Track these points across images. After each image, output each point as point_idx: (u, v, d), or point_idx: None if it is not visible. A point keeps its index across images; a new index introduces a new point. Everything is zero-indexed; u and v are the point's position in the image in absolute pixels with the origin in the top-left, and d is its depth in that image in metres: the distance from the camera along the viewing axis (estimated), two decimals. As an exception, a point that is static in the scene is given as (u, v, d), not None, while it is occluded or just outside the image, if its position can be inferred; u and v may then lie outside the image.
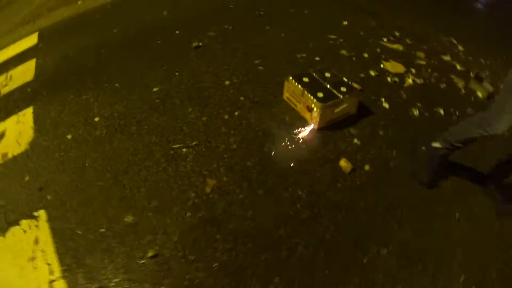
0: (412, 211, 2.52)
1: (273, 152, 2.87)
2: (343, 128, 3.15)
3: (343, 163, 2.82)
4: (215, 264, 2.17)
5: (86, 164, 2.81)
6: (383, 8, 5.65)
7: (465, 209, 2.58)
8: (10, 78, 4.26)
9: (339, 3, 5.65)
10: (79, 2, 6.60)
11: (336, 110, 3.11)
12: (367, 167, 2.82)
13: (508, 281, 2.21)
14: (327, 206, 2.51)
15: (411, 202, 2.59)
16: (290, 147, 2.93)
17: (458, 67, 4.32)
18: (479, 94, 3.91)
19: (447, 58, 4.50)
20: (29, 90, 3.88)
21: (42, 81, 4.02)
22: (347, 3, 5.68)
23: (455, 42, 4.89)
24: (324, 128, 3.13)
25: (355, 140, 3.06)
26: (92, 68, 4.10)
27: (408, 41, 4.71)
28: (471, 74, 4.18)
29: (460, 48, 4.77)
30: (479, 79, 4.13)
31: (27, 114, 3.46)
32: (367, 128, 3.20)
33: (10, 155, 2.99)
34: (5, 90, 4.03)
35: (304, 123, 3.18)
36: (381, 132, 3.17)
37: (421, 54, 4.47)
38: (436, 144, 2.59)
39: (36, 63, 4.44)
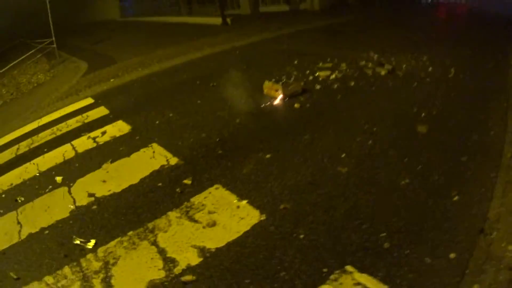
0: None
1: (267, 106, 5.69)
2: (294, 98, 5.98)
3: (296, 105, 5.61)
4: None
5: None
6: (320, 49, 8.85)
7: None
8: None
9: (294, 53, 8.85)
10: (112, 80, 9.93)
11: (289, 87, 5.99)
12: (308, 105, 5.60)
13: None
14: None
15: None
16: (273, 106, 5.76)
17: (370, 65, 7.23)
18: (382, 72, 6.75)
19: (362, 62, 7.43)
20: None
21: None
22: (298, 51, 8.90)
23: (371, 53, 7.88)
24: (286, 98, 5.97)
25: (301, 99, 5.88)
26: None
27: (336, 60, 7.73)
28: (377, 64, 7.10)
29: (374, 55, 7.75)
30: (380, 64, 7.05)
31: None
32: (308, 94, 6.04)
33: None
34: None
35: (275, 97, 6.03)
36: (314, 96, 6.01)
37: (343, 65, 7.41)
38: None
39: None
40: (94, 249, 3.18)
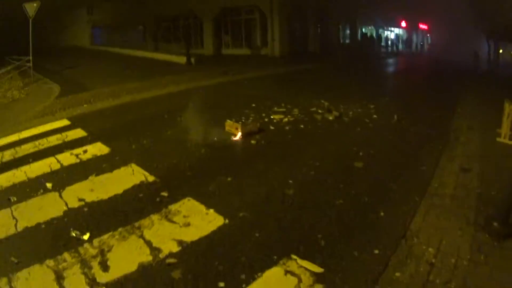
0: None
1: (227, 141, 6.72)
2: (249, 137, 7.04)
3: (253, 141, 6.71)
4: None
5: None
6: (276, 94, 10.12)
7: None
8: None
9: (253, 96, 10.04)
10: (85, 105, 10.72)
11: (247, 127, 7.11)
12: (263, 142, 6.70)
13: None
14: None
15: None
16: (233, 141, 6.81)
17: (320, 111, 8.51)
18: (330, 118, 8.03)
19: (313, 109, 8.72)
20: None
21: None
22: (256, 96, 10.11)
23: (322, 101, 9.18)
24: (244, 135, 7.04)
25: (257, 137, 6.99)
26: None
27: (289, 106, 8.98)
28: (326, 110, 8.39)
29: (325, 102, 9.04)
30: (329, 111, 8.34)
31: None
32: (263, 133, 7.16)
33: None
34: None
35: (235, 133, 7.10)
36: (268, 135, 7.15)
37: (296, 110, 8.67)
38: None
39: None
40: (89, 240, 3.88)
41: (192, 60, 18.75)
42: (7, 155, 7.01)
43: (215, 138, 7.04)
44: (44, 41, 20.48)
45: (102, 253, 3.67)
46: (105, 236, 3.95)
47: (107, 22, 31.45)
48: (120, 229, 4.06)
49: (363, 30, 35.65)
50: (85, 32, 31.30)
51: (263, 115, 8.39)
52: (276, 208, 4.41)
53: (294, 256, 3.46)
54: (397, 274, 3.18)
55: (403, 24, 43.25)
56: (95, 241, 3.87)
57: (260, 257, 3.49)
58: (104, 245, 3.80)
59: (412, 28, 46.80)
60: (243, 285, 3.13)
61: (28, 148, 7.28)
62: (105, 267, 3.46)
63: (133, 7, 29.18)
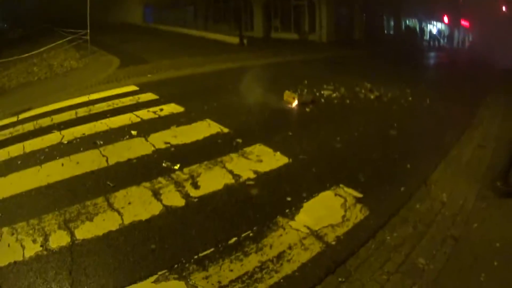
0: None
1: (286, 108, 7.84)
2: (304, 106, 8.09)
3: (307, 109, 7.79)
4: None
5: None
6: (325, 75, 11.10)
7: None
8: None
9: (304, 75, 11.06)
10: (149, 75, 11.89)
11: (303, 97, 8.18)
12: (315, 111, 7.77)
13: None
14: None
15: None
16: (291, 108, 7.92)
17: (363, 91, 9.48)
18: (371, 97, 9.01)
19: (357, 88, 9.68)
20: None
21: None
22: (308, 75, 11.12)
23: (365, 83, 10.10)
24: (300, 104, 8.11)
25: (310, 107, 8.05)
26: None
27: (337, 85, 9.95)
28: (369, 90, 9.37)
29: (367, 84, 9.98)
30: (371, 91, 9.30)
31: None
32: (315, 104, 8.20)
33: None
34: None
35: (292, 102, 8.18)
36: (320, 106, 8.20)
37: (342, 89, 9.61)
38: None
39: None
40: (180, 169, 5.00)
41: (245, 41, 19.70)
42: (82, 112, 8.02)
43: (276, 105, 8.15)
44: (96, 16, 22.00)
45: (192, 177, 4.80)
46: (193, 167, 5.08)
47: (158, 0, 32.70)
48: (205, 162, 5.21)
49: (407, 22, 35.68)
50: (137, 9, 32.68)
51: (314, 90, 9.37)
52: (327, 154, 5.56)
53: (341, 185, 4.55)
54: (417, 205, 4.21)
55: (446, 19, 42.79)
56: (185, 170, 5.00)
57: (316, 184, 4.60)
58: (193, 172, 4.93)
59: (454, 24, 46.11)
60: (304, 200, 4.24)
61: (102, 107, 8.28)
62: (196, 186, 4.58)
63: None
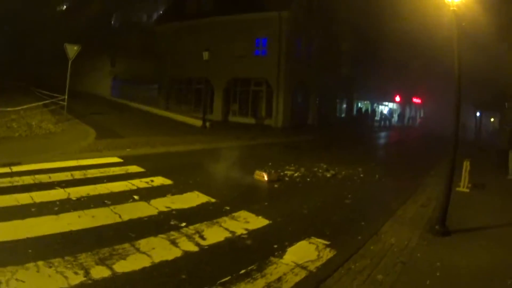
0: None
1: (258, 184, 9.50)
2: (272, 182, 9.81)
3: (276, 185, 9.51)
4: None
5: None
6: (286, 157, 13.03)
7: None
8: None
9: (267, 157, 12.92)
10: (127, 149, 13.08)
11: (271, 175, 9.93)
12: (282, 186, 9.51)
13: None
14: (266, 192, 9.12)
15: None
16: (262, 184, 9.60)
17: (320, 170, 11.40)
18: (328, 175, 10.92)
19: (315, 169, 11.58)
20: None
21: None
22: (270, 157, 13.00)
23: (322, 164, 12.09)
24: (269, 181, 9.81)
25: (278, 184, 9.78)
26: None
27: (297, 166, 11.83)
28: (325, 170, 11.32)
29: (323, 165, 11.95)
30: (327, 170, 11.25)
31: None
32: (281, 181, 9.97)
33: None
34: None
35: (262, 180, 9.88)
36: (285, 182, 9.98)
37: (302, 169, 11.49)
38: None
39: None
40: (186, 226, 6.28)
41: (207, 124, 21.53)
42: (77, 174, 8.99)
43: (249, 181, 9.80)
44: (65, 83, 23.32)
45: (198, 232, 6.10)
46: (196, 225, 6.39)
47: (126, 77, 34.55)
48: (205, 222, 6.55)
49: (359, 104, 39.45)
50: (106, 82, 34.15)
51: (279, 170, 11.13)
52: (298, 217, 7.18)
53: (313, 237, 6.13)
54: (372, 247, 5.85)
55: (397, 99, 46.86)
56: (191, 227, 6.28)
57: (294, 236, 6.13)
58: (198, 229, 6.23)
59: (406, 102, 50.27)
60: (287, 247, 5.71)
61: (95, 173, 9.25)
62: (203, 238, 5.88)
63: (152, 65, 32.58)
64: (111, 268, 4.68)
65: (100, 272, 4.55)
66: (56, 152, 11.46)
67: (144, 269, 4.77)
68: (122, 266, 4.76)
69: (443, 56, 26.64)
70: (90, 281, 4.32)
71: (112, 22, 37.38)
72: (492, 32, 20.99)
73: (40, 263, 4.61)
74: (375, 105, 43.81)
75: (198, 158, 12.71)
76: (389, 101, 46.64)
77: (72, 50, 18.32)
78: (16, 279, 4.26)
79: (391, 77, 39.55)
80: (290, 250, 5.63)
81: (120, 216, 6.52)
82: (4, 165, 9.22)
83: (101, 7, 34.95)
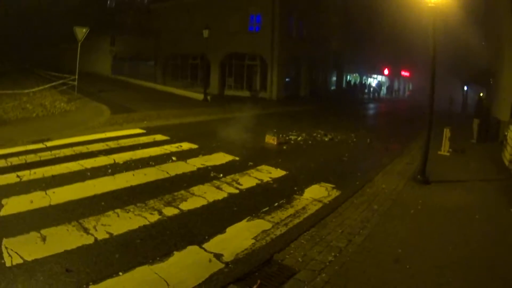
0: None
1: (270, 146, 11.37)
2: (281, 145, 11.70)
3: (284, 147, 11.38)
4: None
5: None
6: (287, 125, 14.91)
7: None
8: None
9: (271, 125, 14.77)
10: (145, 122, 14.88)
11: (280, 139, 11.80)
12: (289, 148, 11.40)
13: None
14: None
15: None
16: (271, 145, 11.47)
17: (319, 135, 13.33)
18: (326, 139, 12.85)
19: (314, 134, 13.48)
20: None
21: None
22: (273, 125, 14.84)
23: (319, 130, 14.02)
24: (278, 143, 11.67)
25: (285, 146, 11.68)
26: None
27: (298, 132, 13.72)
28: (323, 135, 13.24)
29: (321, 131, 13.89)
30: (325, 135, 13.17)
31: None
32: (288, 144, 11.88)
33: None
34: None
35: (273, 142, 11.73)
36: (291, 145, 11.89)
37: (303, 134, 13.37)
38: None
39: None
40: (223, 176, 8.04)
41: (209, 98, 22.91)
42: (112, 144, 10.26)
43: (262, 143, 11.67)
44: (69, 65, 23.79)
45: (234, 181, 7.88)
46: (232, 175, 8.20)
47: (125, 55, 35.37)
48: (237, 173, 8.37)
49: (348, 77, 40.87)
50: (106, 61, 34.65)
51: (284, 135, 12.99)
52: (308, 169, 9.14)
53: (322, 182, 8.04)
54: (368, 190, 7.76)
55: (386, 72, 47.92)
56: (228, 177, 8.10)
57: (308, 182, 8.03)
58: (233, 178, 8.05)
59: (394, 75, 51.35)
60: (304, 188, 7.62)
61: (127, 142, 10.48)
62: (240, 184, 7.69)
63: (149, 43, 33.52)
64: (178, 208, 6.24)
65: (170, 211, 6.04)
66: (80, 127, 12.31)
67: (203, 206, 6.48)
68: (186, 206, 6.38)
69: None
70: (165, 218, 5.76)
71: (108, 1, 37.83)
72: (478, 12, 22.57)
73: (117, 210, 5.81)
74: (365, 78, 45.07)
75: (211, 127, 14.21)
76: (378, 73, 47.62)
77: (81, 32, 19.15)
78: (102, 224, 5.36)
79: (380, 50, 40.72)
80: (307, 190, 7.56)
81: (167, 172, 8.16)
82: (36, 142, 10.00)
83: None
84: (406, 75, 54.79)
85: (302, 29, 29.99)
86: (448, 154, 11.72)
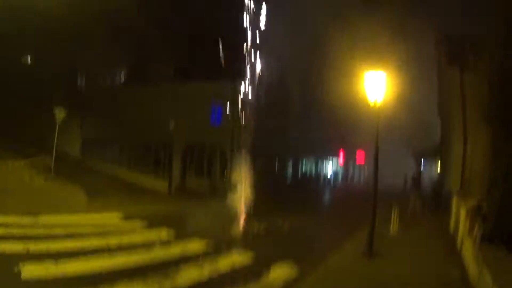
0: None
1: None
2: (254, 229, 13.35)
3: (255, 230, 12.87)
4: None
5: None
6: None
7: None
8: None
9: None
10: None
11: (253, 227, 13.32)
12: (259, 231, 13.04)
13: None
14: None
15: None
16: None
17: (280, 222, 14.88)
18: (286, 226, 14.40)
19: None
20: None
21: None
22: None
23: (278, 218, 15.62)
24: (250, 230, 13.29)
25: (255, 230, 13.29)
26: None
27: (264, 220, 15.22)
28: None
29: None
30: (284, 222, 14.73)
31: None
32: (258, 229, 13.53)
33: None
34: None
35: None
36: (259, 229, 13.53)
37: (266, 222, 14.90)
38: None
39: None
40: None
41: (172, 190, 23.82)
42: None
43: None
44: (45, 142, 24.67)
45: None
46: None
47: (91, 137, 35.76)
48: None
49: (303, 167, 40.93)
50: (76, 141, 35.34)
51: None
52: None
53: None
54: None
55: (340, 160, 48.87)
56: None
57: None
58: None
59: (350, 158, 51.29)
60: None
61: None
62: None
63: (118, 127, 33.80)
64: None
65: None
66: (61, 209, 13.82)
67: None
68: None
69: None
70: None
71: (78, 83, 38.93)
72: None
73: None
74: (319, 163, 45.00)
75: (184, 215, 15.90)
76: (335, 155, 48.07)
77: (60, 114, 20.58)
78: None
79: (333, 136, 42.41)
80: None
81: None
82: (26, 214, 11.63)
83: (68, 67, 35.58)
84: (361, 162, 54.04)
85: (263, 122, 30.31)
86: (395, 232, 13.30)
